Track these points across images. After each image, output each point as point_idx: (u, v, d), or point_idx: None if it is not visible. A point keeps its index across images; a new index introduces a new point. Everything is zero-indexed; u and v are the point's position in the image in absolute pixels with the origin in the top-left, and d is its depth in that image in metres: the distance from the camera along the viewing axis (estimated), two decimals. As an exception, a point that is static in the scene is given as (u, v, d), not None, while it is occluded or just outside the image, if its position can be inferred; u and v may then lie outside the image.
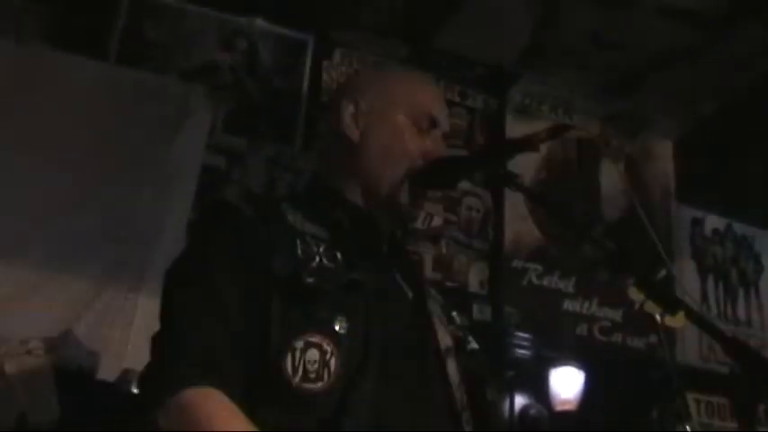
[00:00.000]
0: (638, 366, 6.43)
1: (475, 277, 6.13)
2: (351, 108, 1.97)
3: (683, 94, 6.88)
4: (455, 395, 1.83)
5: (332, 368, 1.62)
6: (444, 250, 6.07)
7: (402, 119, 1.96)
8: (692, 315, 1.59)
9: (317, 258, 1.74)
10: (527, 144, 2.01)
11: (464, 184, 6.03)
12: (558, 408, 5.92)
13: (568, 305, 6.47)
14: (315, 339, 1.63)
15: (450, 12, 6.27)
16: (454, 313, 2.09)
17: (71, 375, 4.37)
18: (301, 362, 1.60)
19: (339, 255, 1.77)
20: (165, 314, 1.70)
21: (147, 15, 5.77)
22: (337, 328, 1.65)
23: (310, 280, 1.68)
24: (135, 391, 4.27)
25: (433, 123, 1.98)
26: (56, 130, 4.90)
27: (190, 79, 5.64)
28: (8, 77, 4.96)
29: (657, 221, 7.12)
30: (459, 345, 1.97)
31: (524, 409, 5.94)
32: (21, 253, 4.63)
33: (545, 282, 6.45)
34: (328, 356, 1.62)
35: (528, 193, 1.99)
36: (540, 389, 6.01)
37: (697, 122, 7.20)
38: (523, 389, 6.01)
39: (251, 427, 1.52)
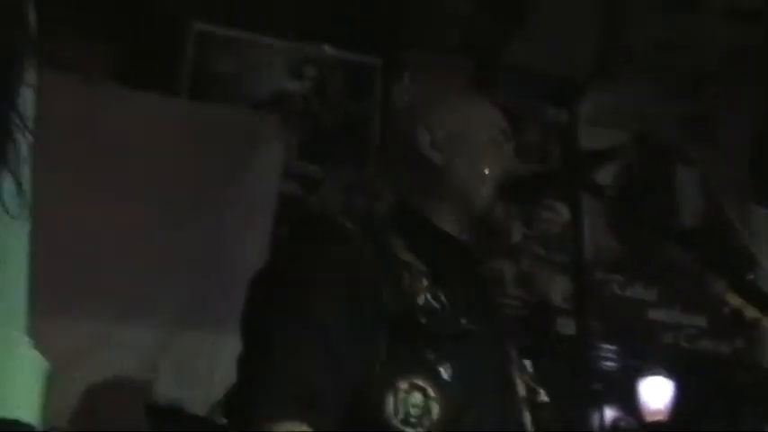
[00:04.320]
0: (726, 371, 6.36)
1: (557, 291, 6.09)
2: (427, 134, 1.94)
3: (752, 94, 6.80)
4: None
5: (433, 415, 1.56)
6: (525, 266, 6.04)
7: (481, 138, 1.96)
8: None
9: (423, 296, 1.67)
10: (612, 155, 1.99)
11: (539, 199, 6.00)
12: (649, 419, 5.87)
13: (653, 314, 6.39)
14: (420, 382, 1.57)
15: (515, 26, 6.26)
16: (526, 362, 2.00)
17: (161, 409, 4.35)
18: (403, 404, 1.55)
19: (442, 295, 1.71)
20: (257, 334, 1.63)
21: (215, 48, 5.83)
22: (443, 373, 1.60)
23: (423, 321, 1.63)
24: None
25: (506, 137, 2.00)
26: (138, 168, 4.85)
27: (261, 109, 5.66)
28: (81, 116, 4.79)
29: (736, 225, 7.03)
30: (531, 396, 1.91)
31: (615, 421, 5.90)
32: (96, 304, 4.47)
33: (628, 292, 6.38)
34: (431, 402, 1.56)
35: (618, 205, 1.99)
36: (629, 401, 5.96)
37: (768, 121, 7.11)
38: (612, 402, 5.96)
39: None
